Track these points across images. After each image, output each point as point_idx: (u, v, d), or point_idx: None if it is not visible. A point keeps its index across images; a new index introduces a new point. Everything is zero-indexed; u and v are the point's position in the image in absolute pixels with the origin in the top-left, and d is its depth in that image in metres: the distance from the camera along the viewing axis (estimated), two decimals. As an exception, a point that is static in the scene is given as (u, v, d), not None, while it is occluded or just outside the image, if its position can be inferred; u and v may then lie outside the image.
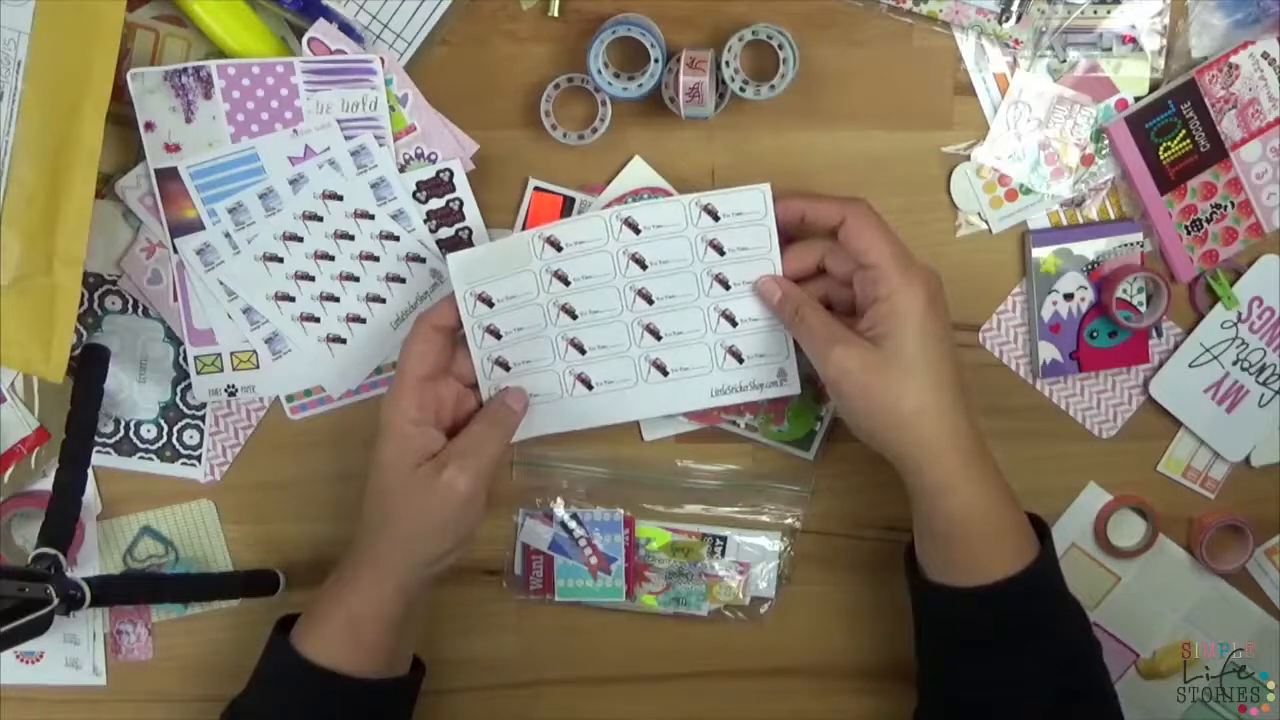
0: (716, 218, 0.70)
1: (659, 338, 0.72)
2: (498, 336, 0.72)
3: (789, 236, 0.71)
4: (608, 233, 0.70)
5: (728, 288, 0.71)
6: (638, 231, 0.70)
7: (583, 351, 0.73)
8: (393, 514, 0.68)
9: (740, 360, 0.73)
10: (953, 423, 0.66)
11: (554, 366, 0.73)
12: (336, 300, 0.76)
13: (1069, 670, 0.68)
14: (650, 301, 0.72)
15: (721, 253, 0.70)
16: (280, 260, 0.75)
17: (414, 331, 0.69)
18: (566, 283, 0.71)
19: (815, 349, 0.68)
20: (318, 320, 0.76)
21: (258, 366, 0.76)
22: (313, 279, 0.75)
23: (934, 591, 0.69)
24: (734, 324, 0.72)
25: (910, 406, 0.66)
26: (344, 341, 0.77)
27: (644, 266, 0.71)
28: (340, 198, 0.74)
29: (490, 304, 0.71)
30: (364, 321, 0.76)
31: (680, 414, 0.77)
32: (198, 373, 0.76)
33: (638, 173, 0.76)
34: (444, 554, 0.69)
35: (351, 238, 0.75)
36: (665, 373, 0.73)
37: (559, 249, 0.70)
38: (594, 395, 0.74)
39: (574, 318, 0.72)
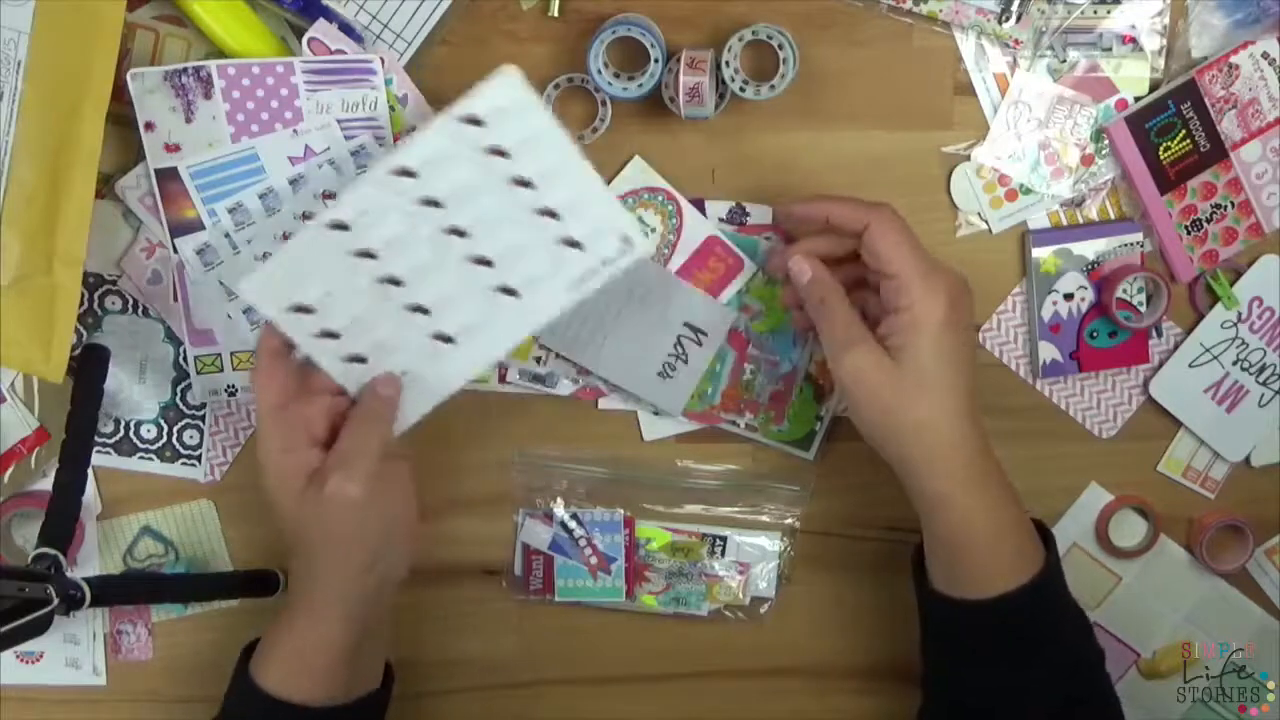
0: (481, 123, 0.66)
1: (492, 264, 0.68)
2: (335, 336, 0.68)
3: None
4: (385, 191, 0.66)
5: (533, 186, 0.67)
6: (415, 176, 0.66)
7: (427, 311, 0.69)
8: (303, 545, 0.66)
9: (580, 246, 0.68)
10: (961, 435, 0.66)
11: (408, 337, 0.69)
12: (336, 300, 0.76)
13: (1072, 677, 0.68)
14: (465, 235, 0.68)
15: (506, 155, 0.66)
16: (280, 260, 0.75)
17: (255, 363, 0.67)
18: (374, 256, 0.68)
19: (833, 344, 0.68)
20: (318, 320, 0.76)
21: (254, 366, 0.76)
22: (313, 279, 0.75)
23: (940, 601, 0.69)
24: (556, 217, 0.68)
25: (919, 419, 0.66)
26: (344, 341, 0.77)
27: (440, 205, 0.67)
28: (340, 198, 0.74)
29: (310, 310, 0.68)
30: (364, 321, 0.76)
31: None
32: (198, 373, 0.76)
33: (637, 172, 0.76)
34: (370, 565, 0.66)
35: (351, 238, 0.75)
36: (516, 294, 0.69)
37: (347, 229, 0.67)
38: (460, 347, 0.70)
39: (400, 285, 0.68)
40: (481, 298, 0.69)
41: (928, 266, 0.66)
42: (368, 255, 0.67)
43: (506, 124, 0.65)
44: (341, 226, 0.66)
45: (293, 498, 0.65)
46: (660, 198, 0.76)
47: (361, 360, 0.69)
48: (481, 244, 0.68)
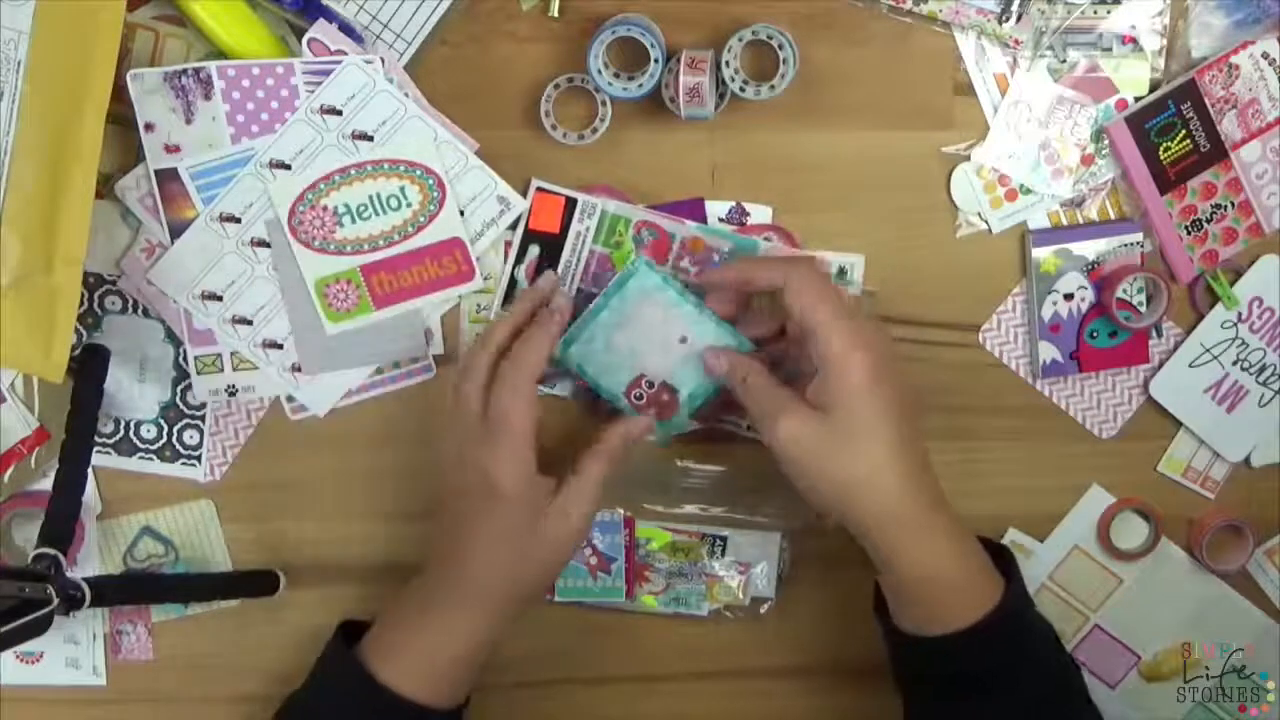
0: (339, 112, 0.71)
1: None
2: (249, 323, 0.74)
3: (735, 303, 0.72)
4: (263, 182, 0.72)
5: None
6: (289, 168, 0.72)
7: None
8: (516, 563, 0.68)
9: (462, 214, 0.73)
10: (903, 489, 0.65)
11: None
12: (336, 300, 0.76)
13: (1052, 698, 0.67)
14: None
15: (370, 139, 0.71)
16: (280, 260, 0.75)
17: (514, 386, 0.67)
18: (269, 245, 0.72)
19: (763, 416, 0.67)
20: (318, 320, 0.76)
21: (258, 367, 0.76)
22: (313, 279, 0.75)
23: (908, 640, 0.68)
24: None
25: (858, 475, 0.65)
26: (344, 341, 0.77)
27: None
28: (340, 198, 0.74)
29: (219, 298, 0.74)
30: (364, 321, 0.76)
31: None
32: (198, 373, 0.76)
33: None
34: (549, 586, 0.74)
35: (351, 238, 0.75)
36: None
37: (237, 221, 0.72)
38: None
39: None
40: None
41: (848, 322, 0.65)
42: (262, 245, 0.71)
43: (363, 107, 0.70)
44: (234, 220, 0.71)
45: (530, 515, 0.67)
46: (419, 171, 0.74)
47: (278, 346, 0.74)
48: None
